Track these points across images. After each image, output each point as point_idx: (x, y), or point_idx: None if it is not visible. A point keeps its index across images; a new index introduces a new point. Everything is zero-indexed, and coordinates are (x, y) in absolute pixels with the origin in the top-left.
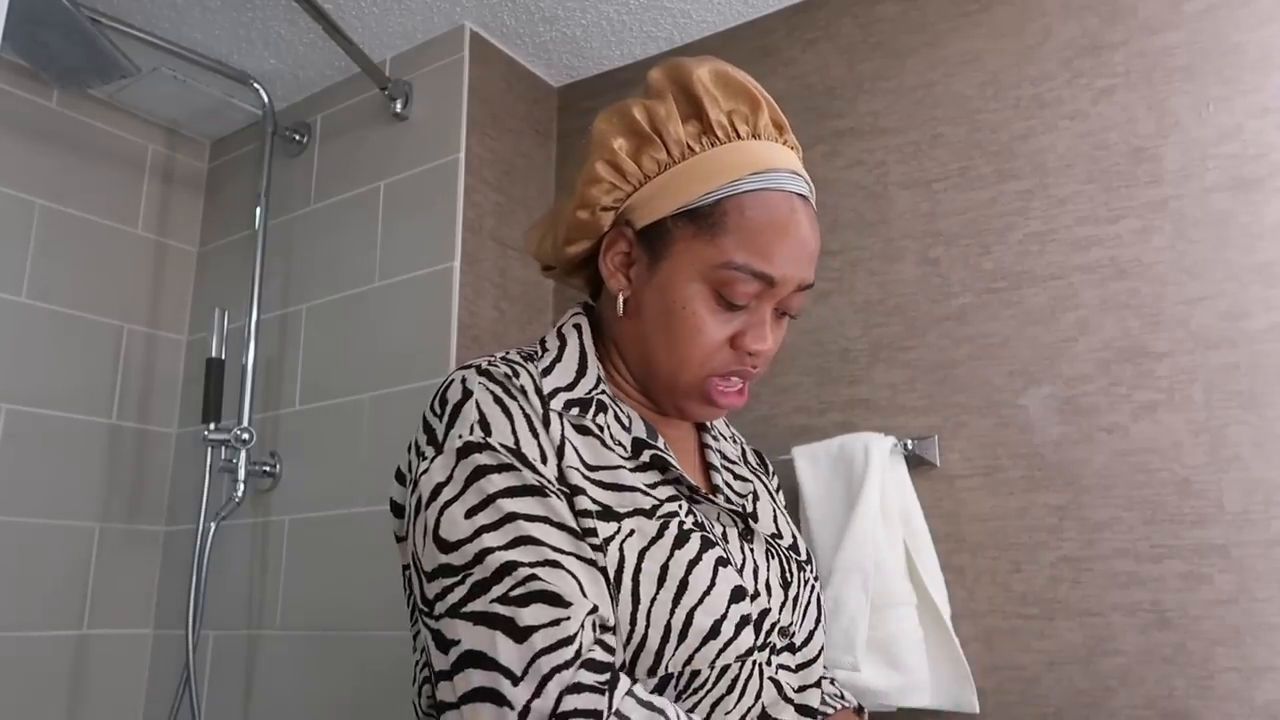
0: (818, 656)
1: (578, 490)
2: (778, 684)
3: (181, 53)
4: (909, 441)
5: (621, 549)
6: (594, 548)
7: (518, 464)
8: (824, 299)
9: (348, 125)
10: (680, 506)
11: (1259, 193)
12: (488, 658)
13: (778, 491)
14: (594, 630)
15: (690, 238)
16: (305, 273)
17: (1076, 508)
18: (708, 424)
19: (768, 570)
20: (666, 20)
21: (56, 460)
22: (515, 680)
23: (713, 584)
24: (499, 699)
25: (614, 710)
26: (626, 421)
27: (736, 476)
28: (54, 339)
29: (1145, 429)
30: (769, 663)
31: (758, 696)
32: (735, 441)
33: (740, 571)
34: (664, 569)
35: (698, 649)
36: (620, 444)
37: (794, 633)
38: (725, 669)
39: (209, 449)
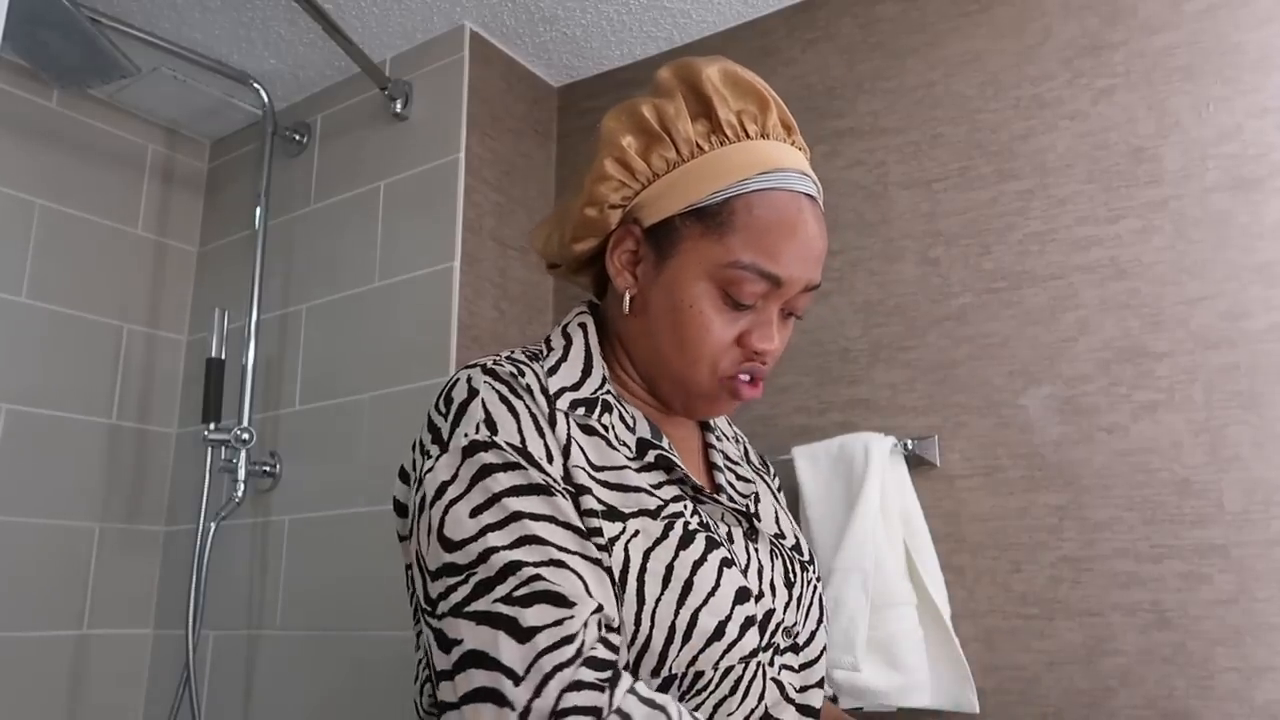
0: (820, 656)
1: (584, 490)
2: (780, 684)
3: (181, 53)
4: (909, 441)
5: (627, 549)
6: (599, 548)
7: (524, 463)
8: (824, 299)
9: (348, 125)
10: (685, 507)
11: (1259, 193)
12: (490, 658)
13: (779, 492)
14: (598, 629)
15: (698, 237)
16: (305, 273)
17: (1076, 508)
18: (711, 424)
19: (772, 570)
20: (666, 20)
21: (56, 460)
22: (517, 680)
23: (717, 585)
24: (500, 699)
25: (615, 708)
26: (631, 421)
27: (739, 477)
28: (54, 339)
29: (1145, 429)
30: (771, 663)
31: (760, 697)
32: (738, 442)
33: (745, 572)
34: (669, 569)
35: (702, 650)
36: (625, 444)
37: (798, 633)
38: (729, 670)
39: (209, 449)
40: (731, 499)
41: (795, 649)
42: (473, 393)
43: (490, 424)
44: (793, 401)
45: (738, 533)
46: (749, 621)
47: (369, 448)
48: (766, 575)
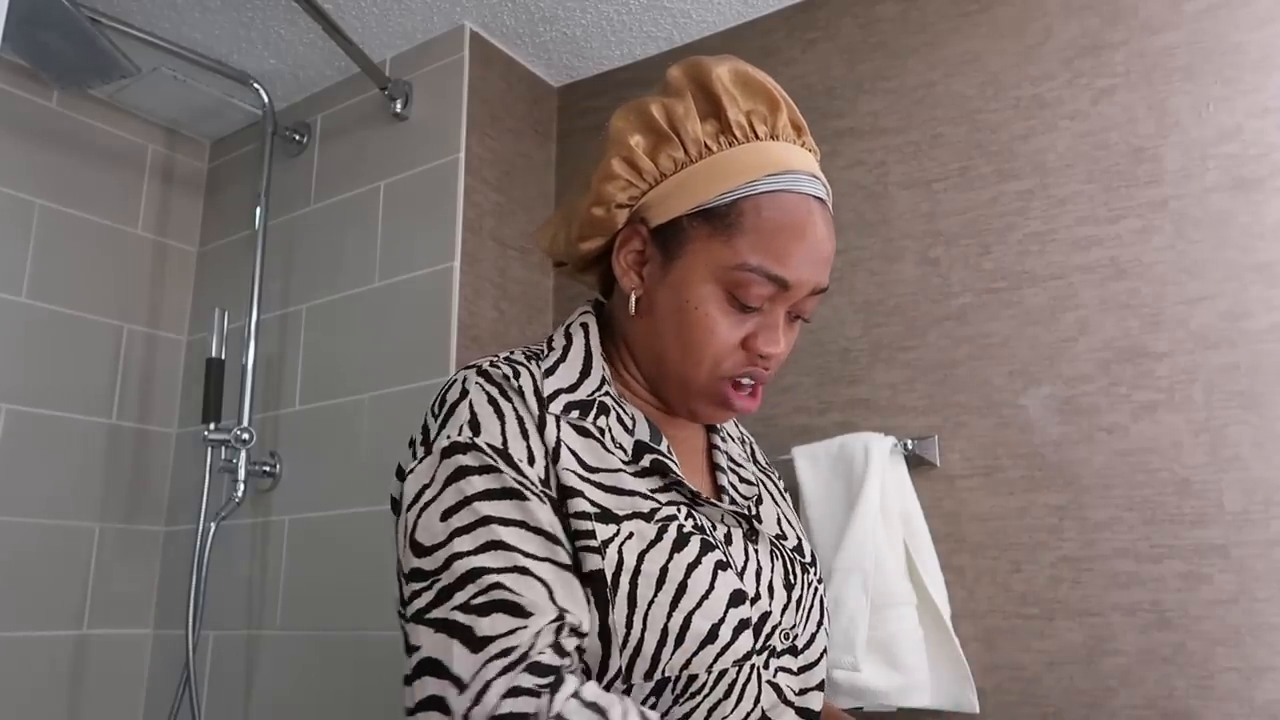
0: (820, 659)
1: (574, 492)
2: (777, 687)
3: (181, 53)
4: (909, 441)
5: (620, 551)
6: (591, 550)
7: (502, 465)
8: (824, 299)
9: (348, 125)
10: (680, 510)
11: (1259, 193)
12: (442, 666)
13: (784, 493)
14: (553, 635)
15: (705, 238)
16: (305, 273)
17: (1076, 508)
18: (717, 425)
19: (771, 572)
20: (666, 20)
21: (56, 460)
22: (461, 689)
23: (711, 587)
24: (445, 709)
25: (553, 714)
26: (630, 423)
27: (743, 479)
28: (54, 339)
29: (1145, 429)
30: (767, 666)
31: (756, 701)
32: (744, 442)
33: (741, 574)
34: (663, 571)
35: (695, 653)
36: (621, 447)
37: (796, 635)
38: (723, 673)
39: (209, 449)
40: (733, 501)
41: (794, 651)
42: (463, 394)
43: (474, 425)
44: (793, 401)
45: (737, 534)
46: (743, 624)
47: (369, 448)
48: (765, 577)
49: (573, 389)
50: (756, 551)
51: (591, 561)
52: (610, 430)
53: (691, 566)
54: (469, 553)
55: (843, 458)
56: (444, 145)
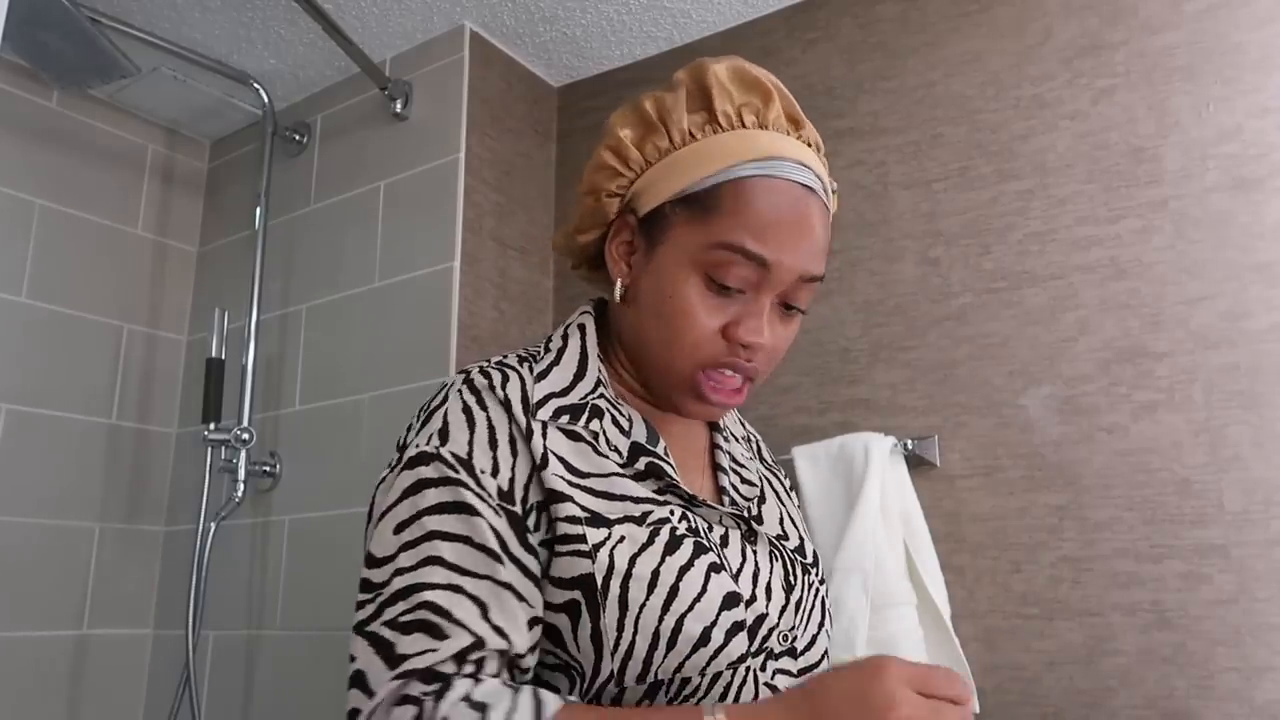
0: (821, 661)
1: (562, 497)
2: (775, 690)
3: (181, 53)
4: (909, 441)
5: (611, 555)
6: (581, 554)
7: (462, 475)
8: (824, 299)
9: (348, 125)
10: (673, 512)
11: (1259, 193)
12: (365, 679)
13: (790, 492)
14: (467, 652)
15: (685, 222)
16: (305, 273)
17: (1076, 508)
18: (720, 424)
19: (770, 574)
20: (666, 20)
21: (56, 460)
22: (372, 703)
23: (704, 590)
24: None
25: (440, 717)
26: (627, 425)
27: (744, 479)
28: (54, 339)
29: (1145, 429)
30: (764, 668)
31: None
32: (750, 441)
33: (737, 577)
34: (654, 575)
35: (688, 656)
36: (616, 449)
37: (795, 637)
38: (717, 676)
39: (209, 449)
40: (733, 502)
41: (793, 654)
42: (443, 402)
43: (443, 434)
44: (793, 401)
45: (735, 536)
46: (737, 627)
47: (369, 448)
48: (763, 579)
49: (565, 393)
50: (755, 553)
51: (581, 566)
52: (605, 433)
53: (684, 569)
54: (409, 568)
55: (843, 458)
56: (444, 145)
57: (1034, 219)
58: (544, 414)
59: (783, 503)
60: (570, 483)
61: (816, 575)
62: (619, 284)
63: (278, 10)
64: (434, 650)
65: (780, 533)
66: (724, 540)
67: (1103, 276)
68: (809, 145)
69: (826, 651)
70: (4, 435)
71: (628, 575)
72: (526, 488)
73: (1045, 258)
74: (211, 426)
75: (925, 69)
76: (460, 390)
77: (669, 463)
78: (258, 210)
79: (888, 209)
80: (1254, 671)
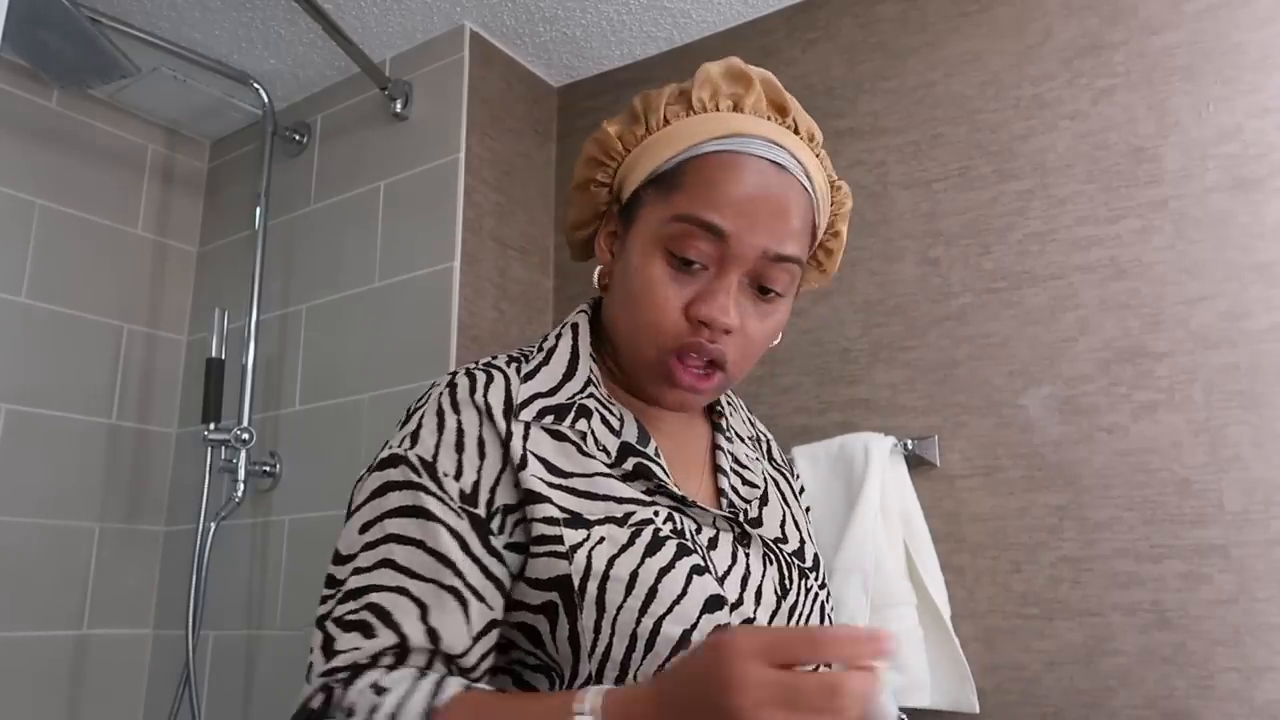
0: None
1: (540, 498)
2: None
3: (181, 53)
4: (909, 441)
5: (589, 556)
6: (558, 555)
7: (425, 478)
8: (824, 299)
9: (348, 125)
10: (657, 513)
11: (1259, 193)
12: (309, 672)
13: (799, 494)
14: (391, 658)
15: (652, 202)
16: (305, 273)
17: (1076, 508)
18: (724, 424)
19: (762, 577)
20: (666, 20)
21: (56, 460)
22: (305, 690)
23: (684, 592)
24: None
25: (346, 704)
26: (618, 424)
27: (746, 480)
28: (54, 339)
29: (1145, 429)
30: None
31: None
32: (759, 441)
33: (724, 579)
34: (633, 576)
35: (667, 659)
36: (604, 449)
37: None
38: None
39: (209, 449)
40: (731, 504)
41: None
42: (422, 402)
43: (414, 436)
44: (793, 401)
45: (726, 538)
46: (719, 630)
47: (369, 448)
48: (753, 582)
49: (551, 393)
50: (747, 556)
51: (558, 567)
52: (593, 433)
53: (664, 571)
54: (366, 569)
55: (843, 458)
56: (444, 145)
57: (1034, 219)
58: (527, 414)
59: (787, 504)
60: (550, 484)
61: (816, 579)
62: (598, 272)
63: (278, 10)
64: (359, 649)
65: (779, 535)
66: (713, 542)
67: (1103, 276)
68: (795, 132)
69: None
70: (4, 435)
71: (605, 577)
72: (494, 490)
73: (1045, 258)
74: (211, 426)
75: (925, 69)
76: (441, 392)
77: (658, 463)
78: (258, 210)
79: (888, 209)
80: (1254, 671)
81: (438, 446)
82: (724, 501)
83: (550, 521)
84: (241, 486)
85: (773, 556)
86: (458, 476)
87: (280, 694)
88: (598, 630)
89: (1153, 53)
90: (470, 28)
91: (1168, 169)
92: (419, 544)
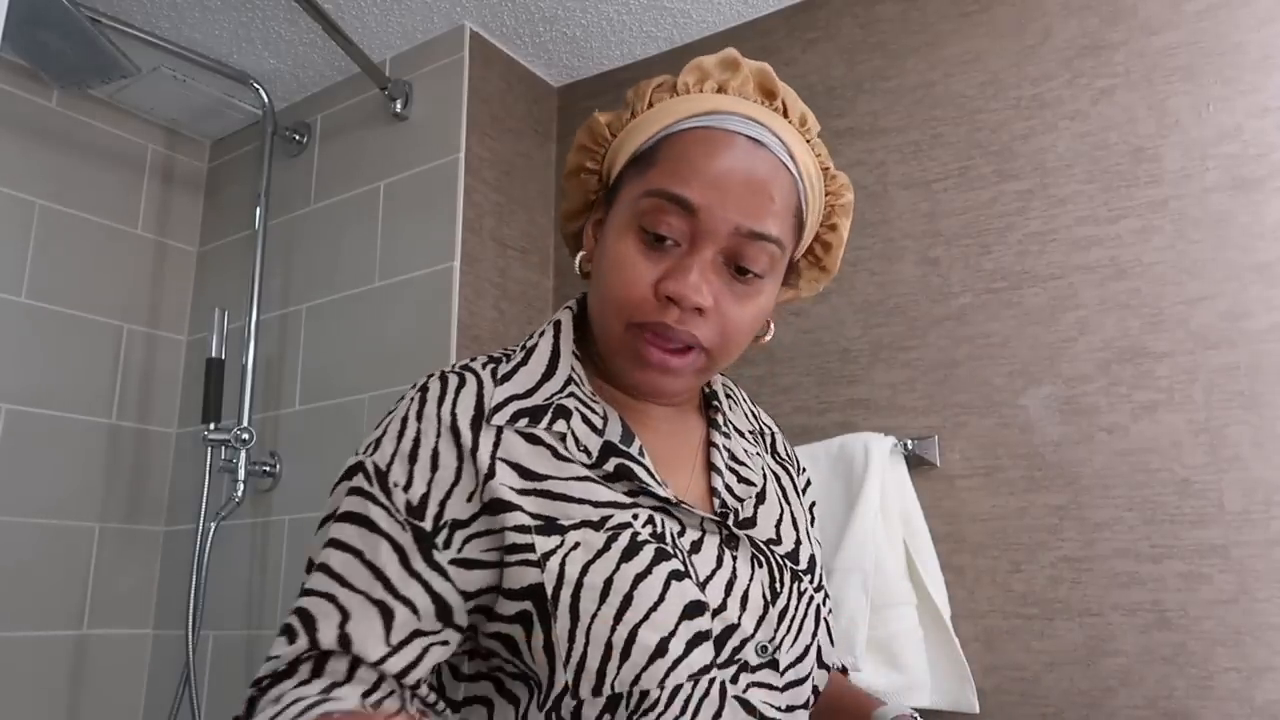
0: (809, 675)
1: (509, 506)
2: (747, 704)
3: (181, 53)
4: (909, 441)
5: (562, 564)
6: (530, 564)
7: (374, 488)
8: (824, 299)
9: (348, 125)
10: (636, 516)
11: (1259, 193)
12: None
13: (804, 489)
14: (305, 665)
15: (630, 181)
16: (305, 273)
17: (1076, 508)
18: (721, 420)
19: (749, 581)
20: (666, 20)
21: (56, 460)
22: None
23: (662, 598)
24: None
25: (254, 715)
26: (600, 423)
27: (741, 478)
28: (54, 339)
29: (1145, 429)
30: (735, 680)
31: (716, 717)
32: (764, 434)
33: (705, 584)
34: (608, 583)
35: (644, 668)
36: (585, 450)
37: (777, 649)
38: (677, 689)
39: (209, 449)
40: (724, 503)
41: (775, 666)
42: (394, 408)
43: (377, 443)
44: (793, 401)
45: (711, 541)
46: (700, 637)
47: None
48: (738, 587)
49: (528, 394)
50: (734, 559)
51: (530, 575)
52: (573, 433)
53: (640, 577)
54: (309, 574)
55: (843, 458)
56: (444, 145)
57: (1034, 219)
58: (500, 418)
59: (786, 500)
60: (521, 490)
61: (811, 582)
62: (579, 258)
63: (278, 10)
64: (279, 656)
65: (772, 536)
66: (696, 546)
67: (1103, 276)
68: (784, 116)
69: (823, 665)
70: (4, 435)
71: (579, 584)
72: (443, 504)
73: (1045, 258)
74: (211, 426)
75: (925, 69)
76: (411, 398)
77: (641, 462)
78: (258, 210)
79: (888, 209)
80: (1254, 671)
81: (394, 456)
82: (716, 501)
83: (521, 530)
84: (241, 486)
85: (763, 559)
86: (407, 488)
87: None
88: (572, 639)
89: (1153, 53)
90: (470, 28)
91: (1168, 169)
92: (358, 554)
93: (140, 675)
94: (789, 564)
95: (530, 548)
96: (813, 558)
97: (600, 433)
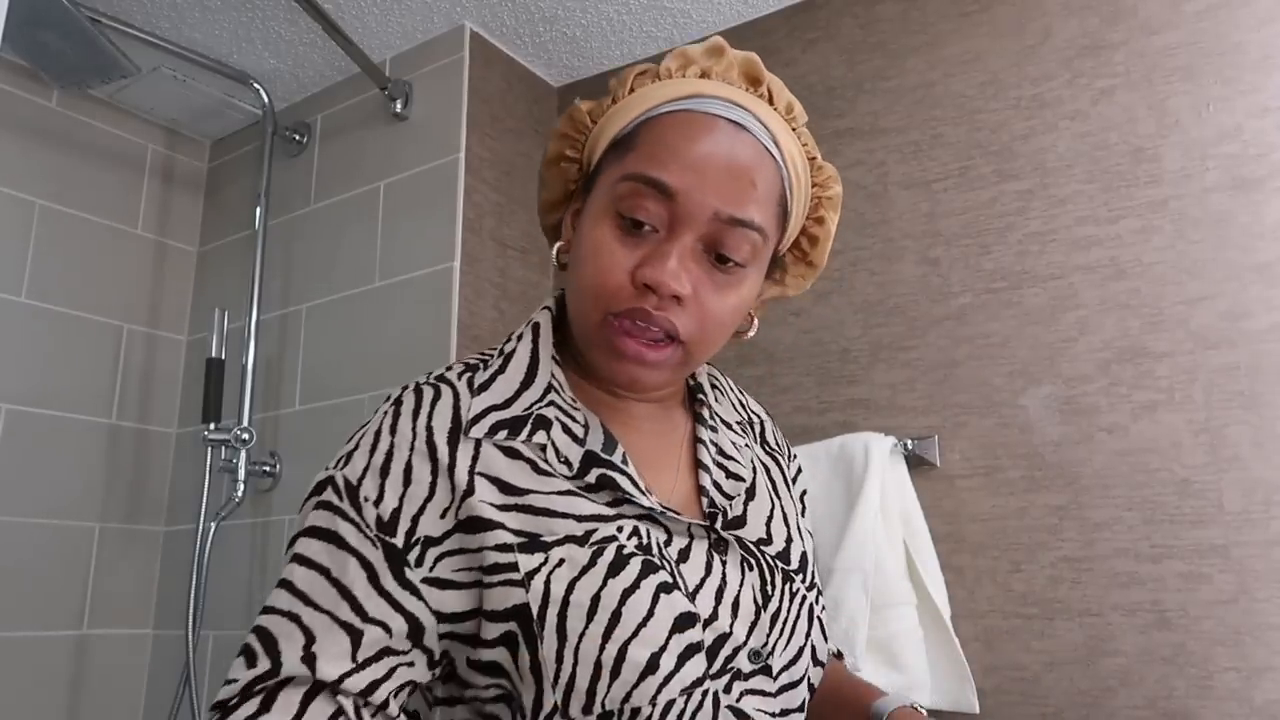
0: (804, 678)
1: (491, 525)
2: (740, 713)
3: (181, 53)
4: (909, 441)
5: (547, 582)
6: (514, 583)
7: (344, 503)
8: (824, 299)
9: (348, 125)
10: (621, 528)
11: (1259, 193)
12: None
13: (794, 479)
14: (259, 681)
15: (609, 167)
16: (305, 273)
17: (1076, 508)
18: (706, 414)
19: (740, 586)
20: (666, 20)
21: (56, 460)
22: None
23: (651, 613)
24: None
25: None
26: (581, 432)
27: (730, 474)
28: (54, 339)
29: (1145, 429)
30: (729, 690)
31: None
32: (752, 424)
33: (695, 594)
34: (595, 600)
35: (635, 685)
36: (566, 461)
37: (771, 654)
38: (670, 704)
39: (209, 449)
40: (712, 503)
41: (768, 671)
42: (369, 419)
43: (348, 457)
44: (793, 401)
45: (699, 547)
46: (692, 649)
47: None
48: (729, 594)
49: (507, 404)
50: (723, 564)
51: (514, 596)
52: (553, 444)
53: (628, 592)
54: (275, 588)
55: (843, 458)
56: (444, 145)
57: (1034, 219)
58: (478, 431)
59: (776, 494)
60: (502, 506)
61: (803, 582)
62: (556, 248)
63: (278, 10)
64: (236, 681)
65: (763, 535)
66: (684, 554)
67: (1103, 276)
68: (768, 102)
69: (818, 663)
70: (4, 435)
71: (565, 603)
72: (416, 520)
73: (1045, 258)
74: (211, 426)
75: (925, 69)
76: (386, 411)
77: (624, 471)
78: (258, 210)
79: (887, 209)
80: (1254, 671)
81: (365, 470)
82: (704, 500)
83: (503, 548)
84: (241, 486)
85: (753, 562)
86: (378, 502)
87: None
88: (560, 659)
89: (1153, 53)
90: (470, 28)
91: (1168, 169)
92: (324, 571)
93: (140, 675)
94: (780, 564)
95: (513, 566)
96: (804, 555)
97: (581, 442)
